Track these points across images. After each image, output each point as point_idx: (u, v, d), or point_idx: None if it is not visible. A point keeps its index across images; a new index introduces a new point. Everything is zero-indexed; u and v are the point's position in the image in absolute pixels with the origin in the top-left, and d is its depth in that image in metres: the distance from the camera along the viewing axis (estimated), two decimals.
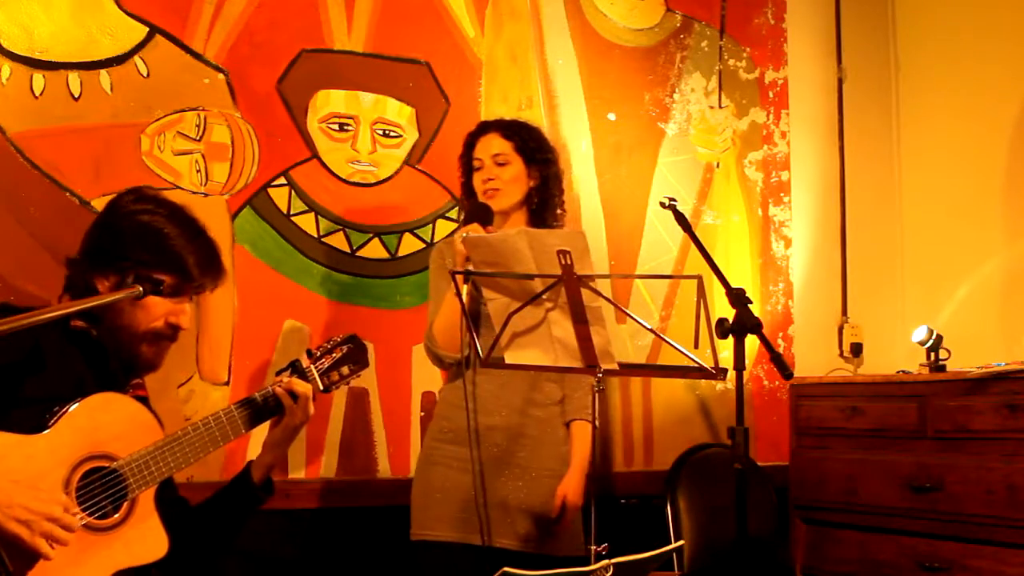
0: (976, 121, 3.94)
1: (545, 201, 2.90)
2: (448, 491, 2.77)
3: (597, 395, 2.36)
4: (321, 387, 2.25)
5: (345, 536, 3.23)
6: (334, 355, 2.28)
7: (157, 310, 2.09)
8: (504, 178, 2.85)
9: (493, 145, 2.88)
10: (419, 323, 3.35)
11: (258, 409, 2.17)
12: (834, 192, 4.17)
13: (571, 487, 2.77)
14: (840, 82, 4.21)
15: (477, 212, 2.78)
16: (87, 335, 2.08)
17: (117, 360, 2.11)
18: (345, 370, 2.29)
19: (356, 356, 2.31)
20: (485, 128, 2.94)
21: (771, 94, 4.08)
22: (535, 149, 2.90)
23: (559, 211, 2.96)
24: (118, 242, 2.08)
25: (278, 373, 2.24)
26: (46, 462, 1.88)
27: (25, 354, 1.98)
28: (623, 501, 3.61)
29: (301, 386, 2.19)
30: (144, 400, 2.16)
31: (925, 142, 4.16)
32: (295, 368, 2.24)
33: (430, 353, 2.87)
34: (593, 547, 2.28)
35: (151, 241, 2.08)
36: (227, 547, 2.28)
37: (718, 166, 3.96)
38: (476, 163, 2.89)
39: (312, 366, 2.25)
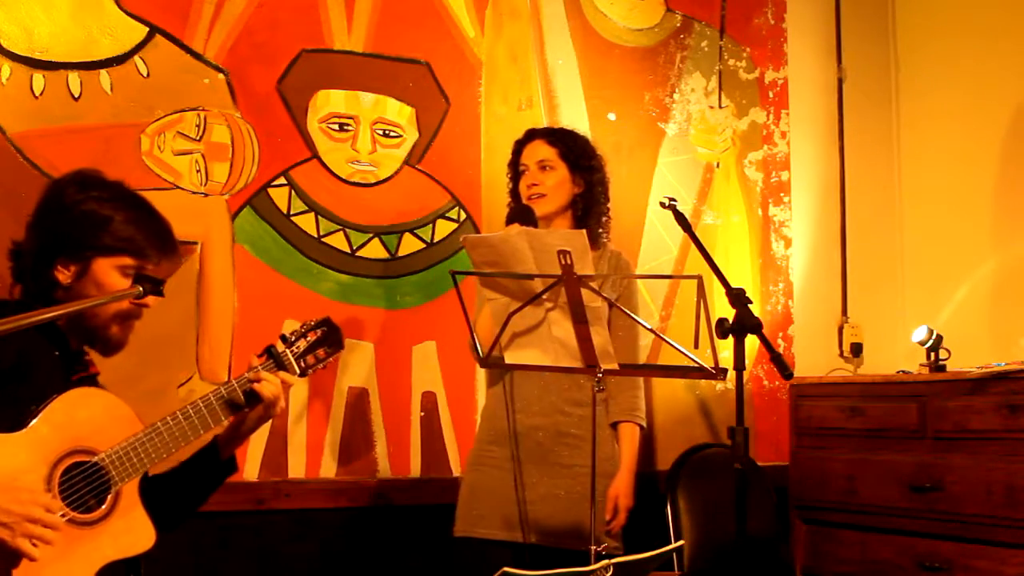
0: (976, 121, 3.94)
1: (590, 208, 2.97)
2: (493, 490, 2.84)
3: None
4: (298, 371, 2.25)
5: (345, 536, 3.23)
6: (308, 338, 2.28)
7: (110, 291, 2.09)
8: (548, 183, 2.93)
9: (538, 151, 2.96)
10: (419, 323, 3.36)
11: (235, 397, 2.17)
12: (834, 192, 4.17)
13: (622, 488, 2.87)
14: (840, 82, 4.21)
15: (518, 214, 2.85)
16: (50, 322, 2.07)
17: (77, 342, 2.13)
18: (321, 352, 2.29)
19: (330, 338, 2.31)
20: (532, 135, 3.03)
21: (771, 94, 4.08)
22: (580, 156, 2.97)
23: (605, 219, 3.02)
24: (74, 230, 2.07)
25: (256, 358, 2.23)
26: (26, 460, 1.89)
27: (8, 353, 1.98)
28: None
29: (269, 389, 2.18)
30: (95, 377, 2.17)
31: (925, 142, 4.16)
32: (271, 353, 2.23)
33: (475, 354, 2.90)
34: (593, 547, 2.29)
35: (107, 226, 2.08)
36: (184, 518, 2.26)
37: (718, 166, 3.96)
38: (522, 168, 2.98)
39: (288, 350, 2.24)
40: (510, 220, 2.84)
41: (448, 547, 2.93)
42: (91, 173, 2.18)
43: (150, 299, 2.12)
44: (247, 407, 2.19)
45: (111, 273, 2.09)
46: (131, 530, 2.01)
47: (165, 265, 2.17)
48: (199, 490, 2.23)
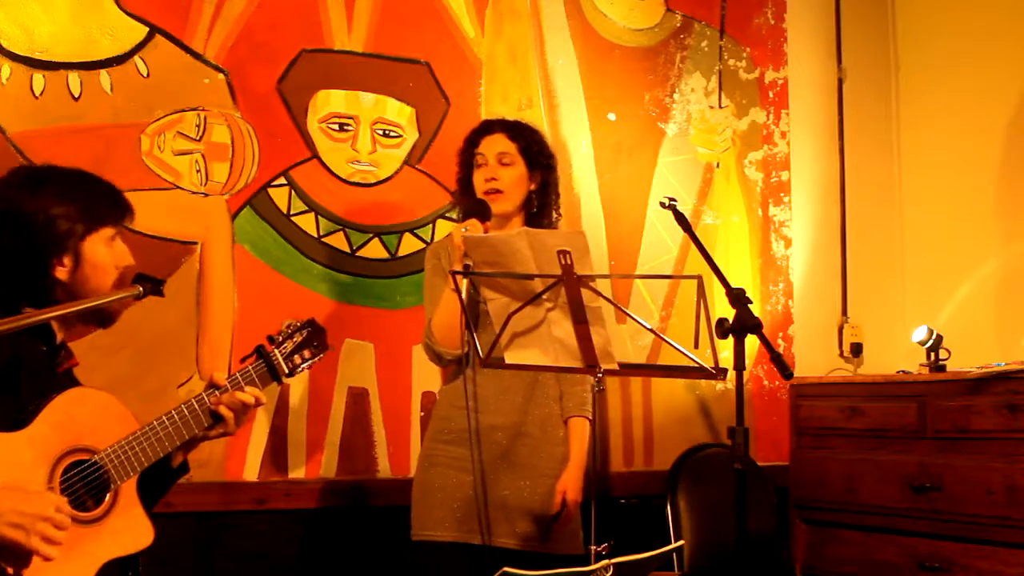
0: (976, 121, 3.94)
1: (544, 206, 2.91)
2: (449, 491, 2.77)
3: (597, 394, 2.37)
4: (287, 370, 2.25)
5: (345, 536, 3.23)
6: (295, 339, 2.28)
7: (108, 263, 2.11)
8: (507, 180, 2.85)
9: (498, 144, 2.88)
10: (419, 323, 3.34)
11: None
12: (834, 192, 4.17)
13: (570, 483, 2.78)
14: (840, 82, 4.21)
15: (474, 208, 2.78)
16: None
17: (73, 324, 2.13)
18: (307, 353, 2.29)
19: (315, 339, 2.31)
20: (490, 127, 2.93)
21: (771, 94, 4.08)
22: (538, 153, 2.90)
23: (556, 215, 2.97)
24: (50, 224, 2.06)
25: (243, 359, 2.23)
26: (28, 459, 1.90)
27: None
28: (623, 501, 3.61)
29: (226, 412, 2.15)
30: (73, 369, 2.16)
31: (925, 142, 4.16)
32: (261, 354, 2.23)
33: (428, 350, 2.87)
34: (593, 547, 2.29)
35: (74, 209, 2.08)
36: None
37: (718, 166, 3.96)
38: (479, 159, 2.88)
39: (276, 351, 2.24)
40: (466, 215, 2.76)
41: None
42: (24, 172, 2.15)
43: (128, 257, 2.14)
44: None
45: (100, 249, 2.10)
46: (131, 528, 2.02)
47: (129, 221, 2.18)
48: (153, 493, 2.19)
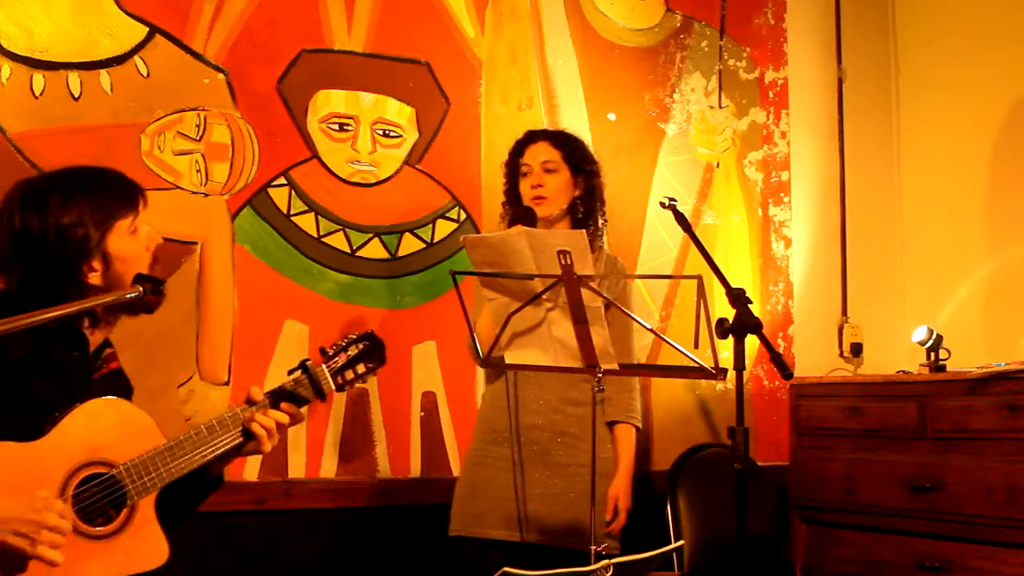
0: (976, 121, 3.94)
1: (590, 211, 2.99)
2: (490, 489, 2.84)
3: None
4: (334, 386, 2.18)
5: (345, 536, 3.23)
6: (349, 352, 2.21)
7: (136, 252, 2.10)
8: (551, 186, 2.93)
9: (542, 153, 2.97)
10: (419, 323, 3.36)
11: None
12: (834, 192, 4.17)
13: (622, 489, 2.89)
14: (840, 82, 4.21)
15: (521, 218, 2.84)
16: (66, 325, 2.05)
17: (115, 319, 2.12)
18: (361, 368, 2.22)
19: (373, 353, 2.24)
20: (534, 137, 3.03)
21: (771, 94, 4.08)
22: (582, 159, 2.99)
23: (602, 222, 3.05)
24: (65, 237, 2.03)
25: (290, 372, 2.17)
26: (40, 469, 1.86)
27: (24, 354, 1.97)
28: None
29: (259, 429, 2.09)
30: (118, 372, 2.15)
31: (925, 142, 4.16)
32: (304, 368, 2.16)
33: (473, 354, 2.90)
34: (593, 547, 2.29)
35: (84, 213, 2.05)
36: (170, 529, 2.19)
37: (718, 166, 3.96)
38: (524, 168, 2.98)
39: (324, 365, 2.18)
40: (512, 222, 2.86)
41: (445, 547, 2.92)
42: (25, 186, 2.11)
43: (156, 237, 2.13)
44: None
45: (124, 242, 2.09)
46: (145, 546, 1.97)
47: (144, 204, 2.16)
48: (185, 504, 2.16)
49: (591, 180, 3.00)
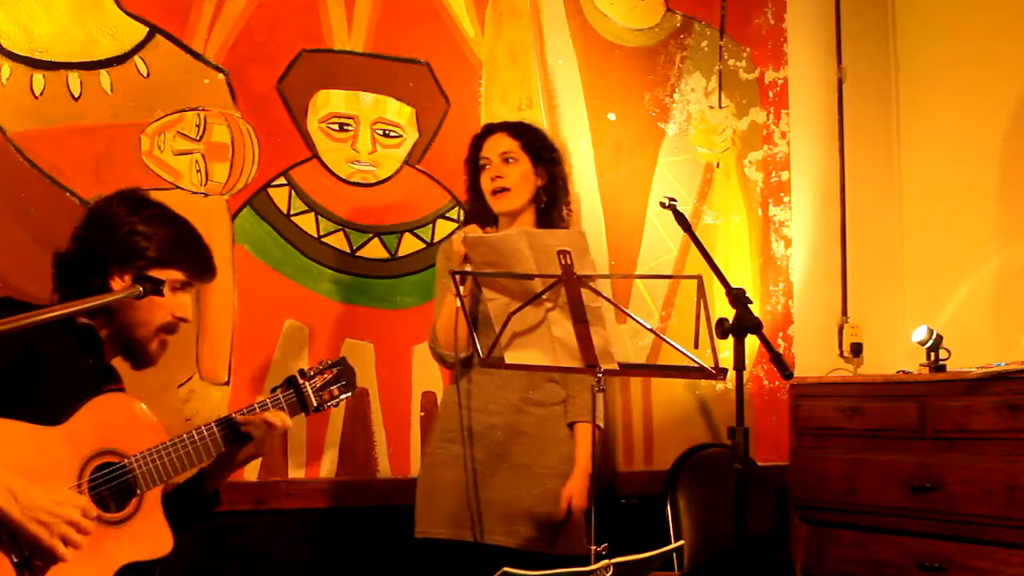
0: (976, 121, 3.94)
1: (554, 200, 2.93)
2: (449, 489, 2.78)
3: (598, 395, 2.38)
4: (314, 403, 2.31)
5: (345, 536, 3.23)
6: (326, 376, 2.35)
7: (166, 306, 2.17)
8: (512, 176, 2.87)
9: (501, 144, 2.91)
10: (419, 323, 3.35)
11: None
12: (834, 192, 4.17)
13: (576, 489, 2.79)
14: (840, 82, 4.21)
15: (477, 215, 2.83)
16: (90, 331, 2.15)
17: (112, 353, 2.20)
18: (336, 390, 2.36)
19: (345, 378, 2.38)
20: (491, 129, 2.97)
21: (771, 94, 4.08)
22: (541, 148, 2.93)
23: (566, 211, 2.99)
24: (127, 244, 2.15)
25: (273, 389, 2.30)
26: (60, 454, 1.95)
27: (32, 351, 2.02)
28: (623, 501, 3.61)
29: (279, 418, 2.24)
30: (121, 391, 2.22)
31: (925, 142, 4.15)
32: (291, 383, 2.30)
33: (433, 352, 2.90)
34: (593, 547, 2.29)
35: (163, 240, 2.17)
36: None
37: (718, 166, 3.96)
38: (483, 161, 2.91)
39: (307, 383, 2.31)
40: (467, 220, 2.83)
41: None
42: (139, 193, 2.26)
43: (188, 313, 2.21)
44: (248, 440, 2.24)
45: (163, 288, 2.13)
46: (152, 534, 2.07)
47: (207, 281, 2.28)
48: (182, 519, 2.22)
49: (553, 168, 2.93)
